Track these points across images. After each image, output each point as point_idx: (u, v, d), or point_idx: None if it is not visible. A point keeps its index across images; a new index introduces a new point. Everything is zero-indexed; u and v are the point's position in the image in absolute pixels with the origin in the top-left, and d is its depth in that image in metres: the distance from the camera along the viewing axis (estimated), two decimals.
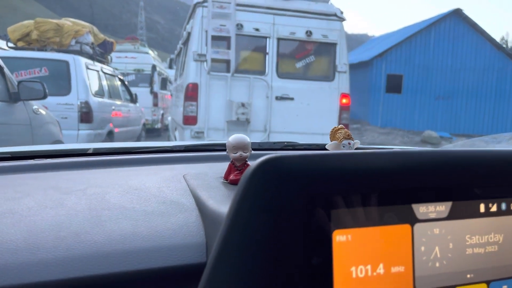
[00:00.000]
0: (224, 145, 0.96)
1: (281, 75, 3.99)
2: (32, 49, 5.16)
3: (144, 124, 7.82)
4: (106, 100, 5.51)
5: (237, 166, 0.58)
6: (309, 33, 3.96)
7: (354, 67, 20.21)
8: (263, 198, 0.30)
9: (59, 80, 4.84)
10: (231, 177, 0.58)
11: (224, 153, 0.66)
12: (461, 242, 0.36)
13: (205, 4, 3.77)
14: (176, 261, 0.42)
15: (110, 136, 5.59)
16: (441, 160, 0.36)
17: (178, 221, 0.48)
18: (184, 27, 4.99)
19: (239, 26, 3.83)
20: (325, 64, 4.10)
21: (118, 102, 6.05)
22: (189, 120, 3.79)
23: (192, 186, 0.57)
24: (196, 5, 3.89)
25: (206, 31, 3.76)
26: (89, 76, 5.08)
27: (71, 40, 5.51)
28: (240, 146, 0.56)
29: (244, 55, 4.00)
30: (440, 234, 0.35)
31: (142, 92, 8.05)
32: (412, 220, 0.34)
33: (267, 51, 3.94)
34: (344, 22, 4.11)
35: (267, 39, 3.93)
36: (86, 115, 4.87)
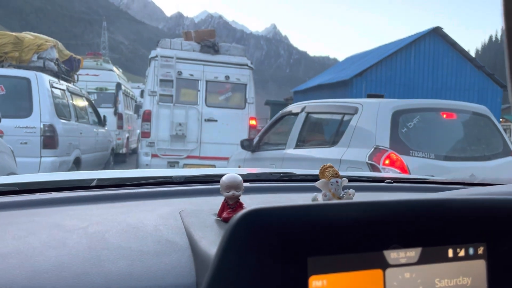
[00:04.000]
0: (221, 176, 1.23)
1: (208, 104, 7.48)
2: None
3: (112, 149, 8.95)
4: (73, 122, 6.01)
5: (230, 204, 0.75)
6: (227, 77, 7.49)
7: (333, 87, 23.99)
8: (243, 249, 0.42)
9: (19, 100, 5.09)
10: (224, 215, 0.75)
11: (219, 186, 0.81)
12: (431, 285, 0.47)
13: (156, 58, 7.29)
14: None
15: (77, 163, 6.08)
16: (410, 209, 0.48)
17: (171, 261, 0.60)
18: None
19: (179, 73, 7.35)
20: (239, 97, 7.63)
21: (86, 125, 6.79)
22: (145, 134, 7.22)
23: (186, 224, 0.72)
24: (150, 59, 7.41)
25: (157, 76, 7.26)
26: (53, 96, 5.35)
27: (32, 55, 5.84)
28: (233, 186, 0.74)
29: (183, 91, 7.47)
30: (411, 278, 0.46)
31: (105, 113, 8.89)
32: (384, 265, 0.45)
33: (199, 89, 7.44)
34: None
35: (199, 81, 7.45)
36: (50, 139, 5.06)
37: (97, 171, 2.33)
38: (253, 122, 7.60)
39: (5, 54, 5.71)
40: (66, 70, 6.80)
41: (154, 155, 7.16)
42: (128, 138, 12.62)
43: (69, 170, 5.70)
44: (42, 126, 5.00)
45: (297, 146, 3.92)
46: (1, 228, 0.74)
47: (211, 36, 8.07)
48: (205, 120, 7.42)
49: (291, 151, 3.93)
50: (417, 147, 2.91)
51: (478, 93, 22.17)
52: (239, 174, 0.79)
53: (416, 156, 2.86)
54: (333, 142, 3.46)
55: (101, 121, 8.04)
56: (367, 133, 3.06)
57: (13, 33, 6.07)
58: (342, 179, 0.76)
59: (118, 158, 11.54)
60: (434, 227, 0.49)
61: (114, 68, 12.72)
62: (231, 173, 0.78)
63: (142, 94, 11.88)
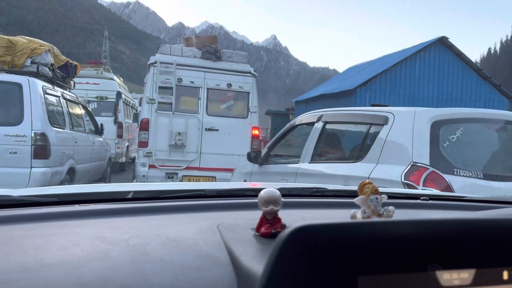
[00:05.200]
0: (252, 190, 1.39)
1: (209, 113, 7.03)
2: None
3: (109, 159, 8.80)
4: (67, 131, 5.81)
5: (268, 219, 0.75)
6: (229, 85, 7.05)
7: (336, 96, 23.65)
8: (293, 266, 0.42)
9: (9, 106, 4.89)
10: (262, 230, 0.75)
11: (254, 200, 0.84)
12: None
13: (156, 64, 6.85)
14: None
15: (71, 174, 5.83)
16: (464, 229, 0.47)
17: (213, 276, 0.60)
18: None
19: (179, 80, 6.91)
20: (241, 106, 7.18)
21: (82, 134, 6.59)
22: (142, 144, 6.76)
23: (225, 239, 0.73)
24: (149, 65, 6.98)
25: (156, 83, 6.82)
26: (47, 103, 5.16)
27: (26, 59, 5.63)
28: (271, 201, 0.74)
29: (183, 99, 7.03)
30: None
31: (105, 121, 9.07)
32: (437, 286, 0.44)
33: (199, 97, 7.00)
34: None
35: (200, 89, 7.01)
36: (41, 149, 4.82)
37: (131, 183, 2.32)
38: (256, 132, 7.15)
39: None
40: (62, 76, 6.56)
41: (151, 166, 6.73)
42: (128, 147, 12.59)
43: (63, 181, 5.47)
44: (33, 135, 4.76)
45: (313, 160, 3.49)
46: (46, 239, 0.76)
47: (213, 42, 7.66)
48: (206, 129, 6.98)
49: (306, 166, 3.49)
50: (462, 164, 2.46)
51: (485, 104, 21.79)
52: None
53: (461, 176, 2.41)
54: (357, 157, 3.04)
55: (98, 130, 7.79)
56: (401, 148, 2.64)
57: (6, 37, 5.82)
58: (382, 195, 0.74)
59: (118, 166, 11.57)
60: (488, 248, 0.47)
61: (115, 77, 12.72)
62: (269, 188, 0.76)
63: (140, 102, 11.84)
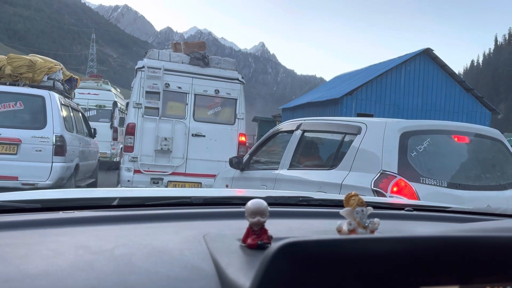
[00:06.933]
0: (238, 198, 1.42)
1: (196, 119, 7.15)
2: (4, 84, 6.67)
3: (98, 159, 9.92)
4: (74, 134, 7.15)
5: (254, 230, 0.75)
6: (217, 91, 7.19)
7: (322, 105, 23.94)
8: (280, 281, 0.42)
9: (35, 114, 6.24)
10: (249, 241, 0.75)
11: (240, 209, 0.87)
12: None
13: (143, 69, 6.96)
14: None
15: (76, 169, 7.11)
16: (447, 246, 0.48)
17: None
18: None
19: (167, 85, 7.02)
20: (228, 112, 7.32)
21: (83, 137, 7.96)
22: (127, 148, 6.84)
23: (212, 250, 0.73)
24: (137, 70, 7.08)
25: (143, 87, 6.92)
26: (62, 111, 6.48)
27: (43, 76, 6.98)
28: (258, 212, 0.74)
29: (170, 104, 7.14)
30: None
31: (102, 126, 10.86)
32: None
33: (187, 102, 7.12)
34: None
35: (187, 94, 7.13)
36: (60, 148, 6.14)
37: (117, 189, 2.39)
38: (242, 139, 7.28)
39: (20, 74, 6.81)
40: (68, 89, 7.90)
41: (136, 171, 6.78)
42: (121, 148, 14.55)
43: (72, 174, 6.76)
44: (54, 137, 6.09)
45: (292, 166, 3.64)
46: (29, 248, 0.75)
47: (201, 48, 7.79)
48: (193, 135, 7.09)
49: (284, 172, 3.64)
50: (427, 173, 2.63)
51: (467, 116, 22.29)
52: (258, 198, 0.78)
53: (426, 184, 2.58)
54: (332, 165, 3.19)
55: (91, 133, 8.86)
56: (372, 156, 2.80)
57: (27, 57, 7.12)
58: (367, 208, 0.75)
59: (113, 165, 13.21)
60: (471, 265, 0.48)
61: (112, 89, 14.75)
62: (256, 199, 0.76)
63: (127, 106, 12.37)
